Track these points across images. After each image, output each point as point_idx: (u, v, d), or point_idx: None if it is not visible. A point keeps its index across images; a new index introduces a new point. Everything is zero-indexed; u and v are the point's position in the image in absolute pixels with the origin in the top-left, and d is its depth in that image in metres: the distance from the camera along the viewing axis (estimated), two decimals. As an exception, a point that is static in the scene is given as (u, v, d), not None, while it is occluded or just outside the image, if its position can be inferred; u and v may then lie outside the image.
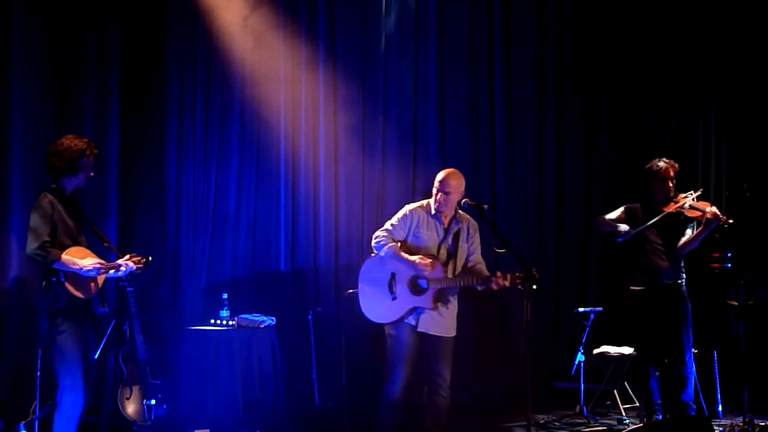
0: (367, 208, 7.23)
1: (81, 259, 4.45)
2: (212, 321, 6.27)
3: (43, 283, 4.45)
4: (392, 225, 5.03)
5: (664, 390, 5.69)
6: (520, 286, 4.77)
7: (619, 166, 7.70)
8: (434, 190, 5.02)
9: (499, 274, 4.86)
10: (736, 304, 6.37)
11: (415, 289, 4.94)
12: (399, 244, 5.01)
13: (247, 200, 6.90)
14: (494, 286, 4.86)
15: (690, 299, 5.72)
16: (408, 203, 5.21)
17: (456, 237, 5.03)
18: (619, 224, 5.81)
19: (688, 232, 5.66)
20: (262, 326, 6.24)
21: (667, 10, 7.62)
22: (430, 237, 5.01)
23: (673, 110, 7.69)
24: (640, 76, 7.70)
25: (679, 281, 5.69)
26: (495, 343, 7.39)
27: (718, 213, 5.40)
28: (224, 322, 6.23)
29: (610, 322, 7.13)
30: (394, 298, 4.95)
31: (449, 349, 5.03)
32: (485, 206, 5.05)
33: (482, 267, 5.09)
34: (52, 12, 6.00)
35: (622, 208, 5.85)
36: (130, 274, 4.81)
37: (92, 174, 4.71)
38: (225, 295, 6.35)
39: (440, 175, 5.03)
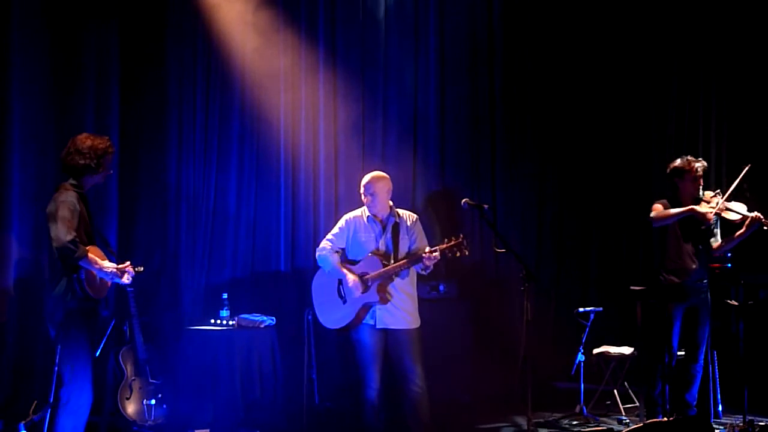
0: (366, 208, 7.22)
1: (101, 260, 4.46)
2: (212, 321, 6.26)
3: (61, 279, 4.42)
4: (333, 235, 5.29)
5: (667, 388, 5.70)
6: (450, 254, 4.97)
7: (619, 166, 7.70)
8: (362, 196, 5.25)
9: (428, 249, 5.02)
10: (736, 304, 6.37)
11: (361, 287, 5.10)
12: (340, 252, 5.26)
13: (247, 200, 6.90)
14: (427, 262, 5.01)
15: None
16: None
17: (395, 231, 5.19)
18: (673, 209, 5.74)
19: (717, 233, 5.71)
20: (262, 326, 6.23)
21: (667, 10, 7.62)
22: (368, 238, 5.21)
23: (673, 110, 7.70)
24: (640, 76, 7.70)
25: (705, 281, 5.74)
26: (495, 343, 7.38)
27: (761, 216, 5.46)
28: (224, 322, 6.22)
29: (613, 321, 7.14)
30: (344, 302, 5.13)
31: (414, 341, 5.12)
32: (485, 206, 5.10)
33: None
34: (53, 12, 6.00)
35: (658, 205, 5.82)
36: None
37: (111, 172, 4.74)
38: (225, 295, 6.34)
39: (364, 180, 5.28)
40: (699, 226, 5.70)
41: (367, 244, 5.20)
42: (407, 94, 7.40)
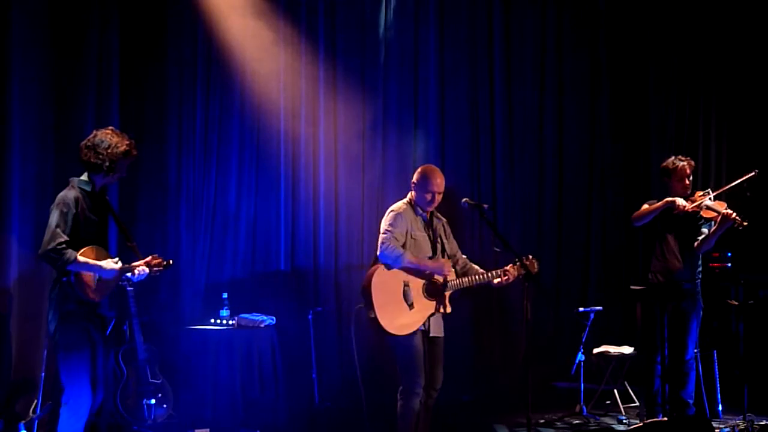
0: (367, 208, 7.23)
1: (100, 261, 4.37)
2: (212, 321, 6.27)
3: (54, 282, 4.38)
4: (392, 228, 4.84)
5: (665, 387, 5.70)
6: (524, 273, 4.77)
7: (618, 166, 7.70)
8: (428, 192, 4.89)
9: (511, 266, 4.84)
10: (736, 303, 6.37)
11: (432, 294, 4.86)
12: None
13: (247, 200, 6.91)
14: (510, 278, 4.82)
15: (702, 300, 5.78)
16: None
17: (441, 233, 5.02)
18: (654, 206, 5.76)
19: (704, 231, 5.69)
20: (262, 326, 6.24)
21: (667, 10, 7.63)
22: (423, 237, 4.94)
23: (673, 110, 7.70)
24: (640, 76, 7.71)
25: (696, 280, 5.72)
26: (495, 343, 7.39)
27: (733, 214, 5.43)
28: (224, 322, 6.23)
29: (613, 321, 7.14)
30: (411, 307, 4.81)
31: (442, 351, 5.00)
32: (485, 206, 5.05)
33: (468, 261, 5.08)
34: (53, 11, 6.00)
35: (645, 205, 5.84)
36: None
37: (124, 175, 4.62)
38: (225, 295, 6.34)
39: (430, 174, 4.92)
40: (685, 225, 5.68)
41: (423, 242, 4.90)
42: (407, 93, 7.40)
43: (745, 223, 5.42)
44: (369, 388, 5.62)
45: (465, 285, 4.92)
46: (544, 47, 7.66)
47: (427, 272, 4.82)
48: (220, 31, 6.72)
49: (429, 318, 4.86)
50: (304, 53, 7.06)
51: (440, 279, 4.87)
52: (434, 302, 4.85)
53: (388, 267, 4.81)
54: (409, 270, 4.81)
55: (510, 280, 4.89)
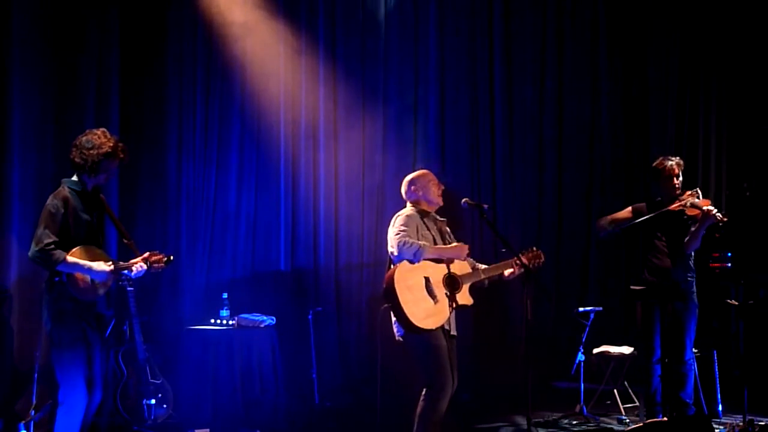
0: (367, 208, 7.24)
1: (90, 261, 4.35)
2: (212, 321, 6.27)
3: (48, 282, 4.37)
4: (405, 227, 4.82)
5: (664, 388, 5.69)
6: (532, 266, 4.81)
7: (618, 166, 7.70)
8: (434, 186, 5.02)
9: (518, 259, 4.84)
10: (736, 303, 6.37)
11: (451, 287, 4.80)
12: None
13: (247, 200, 6.91)
14: (515, 271, 4.88)
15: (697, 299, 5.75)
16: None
17: (445, 233, 5.03)
18: (621, 221, 5.78)
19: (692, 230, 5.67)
20: (262, 326, 6.24)
21: (667, 10, 7.63)
22: (431, 236, 4.93)
23: (673, 110, 7.70)
24: (640, 76, 7.71)
25: (688, 280, 5.69)
26: (495, 343, 7.39)
27: (713, 210, 5.40)
28: (224, 322, 6.23)
29: (613, 321, 7.14)
30: (436, 301, 4.73)
31: (456, 351, 4.94)
32: (485, 206, 5.04)
33: (475, 262, 5.06)
34: (53, 11, 6.00)
35: (629, 208, 5.84)
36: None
37: (114, 177, 4.62)
38: (225, 295, 6.35)
39: (424, 172, 5.12)
40: (673, 225, 5.66)
41: (432, 242, 4.88)
42: (407, 93, 7.41)
43: (726, 219, 5.39)
44: (383, 389, 5.59)
45: (481, 277, 4.89)
46: (544, 47, 7.66)
47: (446, 258, 4.78)
48: (220, 30, 6.73)
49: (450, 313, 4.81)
50: (304, 53, 7.07)
51: (459, 266, 4.84)
52: (457, 295, 4.78)
53: (411, 262, 4.74)
54: (429, 260, 4.76)
55: (520, 269, 4.90)
